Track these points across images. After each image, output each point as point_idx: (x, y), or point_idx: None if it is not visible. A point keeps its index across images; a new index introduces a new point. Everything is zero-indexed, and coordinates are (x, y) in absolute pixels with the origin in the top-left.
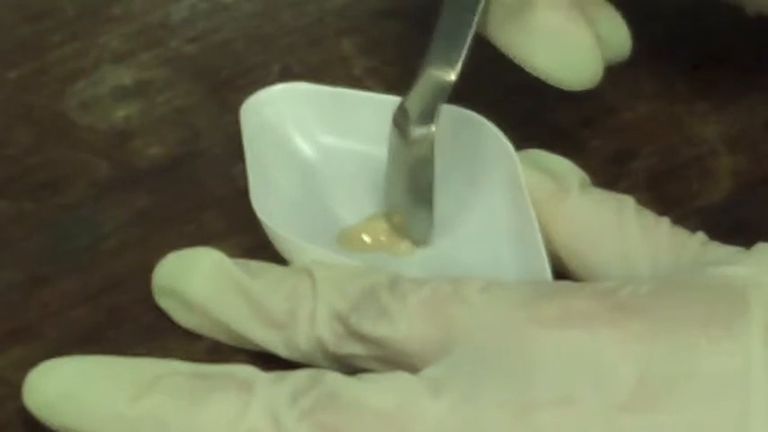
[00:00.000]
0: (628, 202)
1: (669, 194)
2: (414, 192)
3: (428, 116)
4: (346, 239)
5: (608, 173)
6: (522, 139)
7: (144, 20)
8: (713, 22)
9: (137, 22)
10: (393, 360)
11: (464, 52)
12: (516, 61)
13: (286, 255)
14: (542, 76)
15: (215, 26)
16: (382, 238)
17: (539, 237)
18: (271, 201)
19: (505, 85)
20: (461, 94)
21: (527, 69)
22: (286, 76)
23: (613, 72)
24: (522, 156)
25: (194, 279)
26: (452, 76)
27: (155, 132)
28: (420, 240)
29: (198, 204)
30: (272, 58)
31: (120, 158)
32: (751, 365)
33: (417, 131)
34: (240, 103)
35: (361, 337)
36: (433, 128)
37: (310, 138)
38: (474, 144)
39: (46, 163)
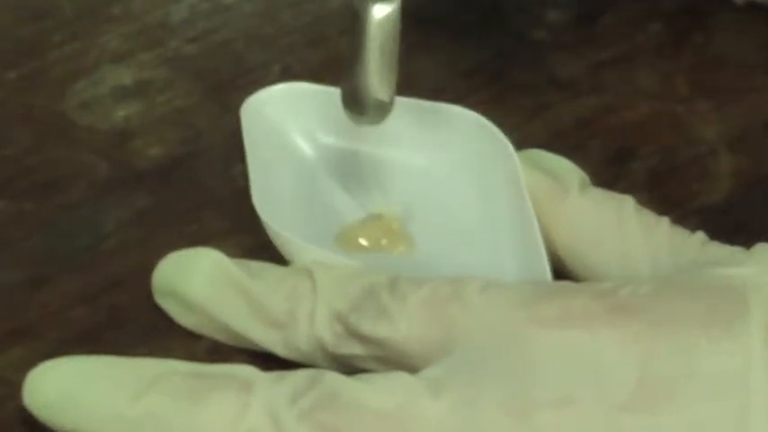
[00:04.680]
0: (628, 201)
1: (669, 194)
2: (374, 72)
3: None
4: (345, 240)
5: (608, 173)
6: (522, 139)
7: (144, 20)
8: (713, 22)
9: (137, 22)
10: (393, 360)
11: None
12: None
13: (286, 255)
14: None
15: (215, 26)
16: (381, 239)
17: (539, 237)
18: (271, 200)
19: (506, 85)
20: (462, 94)
21: None
22: (286, 76)
23: (613, 72)
24: (522, 156)
25: (194, 279)
26: None
27: (155, 132)
28: (379, 120)
29: (198, 204)
30: (272, 58)
31: (120, 158)
32: (751, 365)
33: (379, 9)
34: (240, 103)
35: (361, 338)
36: (395, 4)
37: (310, 138)
38: (474, 144)
39: (46, 163)
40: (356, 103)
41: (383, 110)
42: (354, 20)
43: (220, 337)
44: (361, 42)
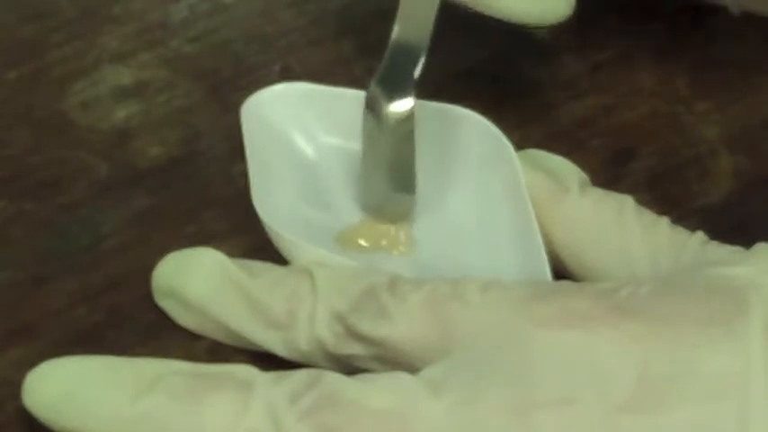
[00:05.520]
0: (627, 201)
1: (669, 194)
2: (395, 173)
3: (404, 89)
4: (345, 240)
5: (608, 173)
6: (522, 139)
7: (144, 20)
8: (713, 22)
9: (137, 22)
10: (393, 360)
11: (434, 14)
12: (481, 9)
13: (286, 255)
14: (509, 18)
15: (215, 26)
16: (381, 239)
17: (539, 237)
18: (271, 200)
19: (505, 85)
20: (462, 95)
21: (493, 14)
22: (286, 76)
23: (613, 72)
24: (522, 156)
25: (194, 279)
26: (424, 42)
27: (155, 132)
28: (403, 218)
29: (198, 204)
30: (272, 58)
31: (120, 158)
32: (751, 365)
33: (395, 109)
34: (240, 103)
35: (361, 338)
36: (412, 101)
37: (310, 138)
38: (474, 144)
39: (46, 163)
40: (379, 202)
41: (408, 205)
42: (371, 118)
43: (220, 337)
44: (381, 140)
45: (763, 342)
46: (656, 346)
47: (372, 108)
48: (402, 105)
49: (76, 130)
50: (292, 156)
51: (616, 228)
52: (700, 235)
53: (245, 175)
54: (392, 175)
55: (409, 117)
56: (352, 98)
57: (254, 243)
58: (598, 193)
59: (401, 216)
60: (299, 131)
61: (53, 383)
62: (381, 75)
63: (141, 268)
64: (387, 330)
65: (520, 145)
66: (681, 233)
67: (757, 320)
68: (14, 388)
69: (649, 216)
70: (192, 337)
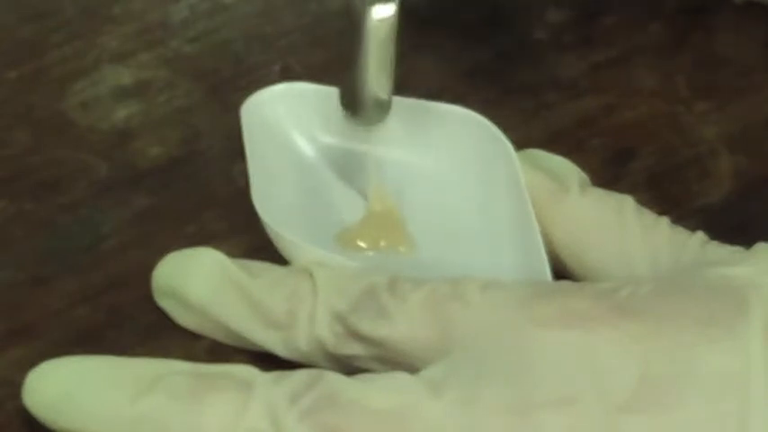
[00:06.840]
0: (627, 201)
1: (669, 194)
2: (373, 74)
3: None
4: (345, 240)
5: (608, 173)
6: (522, 139)
7: (144, 20)
8: (713, 22)
9: (137, 22)
10: (393, 360)
11: None
12: None
13: (286, 255)
14: None
15: (215, 26)
16: (381, 240)
17: (539, 237)
18: (272, 201)
19: (505, 85)
20: (461, 94)
21: None
22: (286, 75)
23: (613, 72)
24: (522, 156)
25: (194, 279)
26: None
27: (155, 132)
28: (378, 122)
29: (198, 204)
30: (273, 58)
31: (120, 158)
32: (751, 365)
33: (379, 11)
34: (240, 103)
35: (361, 338)
36: (395, 6)
37: (310, 138)
38: (474, 144)
39: (46, 163)
40: (355, 103)
41: (382, 109)
42: (354, 21)
43: (220, 337)
44: (360, 43)
45: (763, 342)
46: (656, 346)
47: (354, 6)
48: (385, 10)
49: (76, 130)
50: (292, 156)
51: (616, 228)
52: (700, 235)
53: (245, 175)
54: (370, 76)
55: (392, 20)
56: None
57: (254, 243)
58: (598, 192)
59: (376, 120)
60: (299, 131)
61: (53, 383)
62: None
63: (141, 268)
64: (387, 330)
65: (520, 145)
66: (681, 233)
67: (757, 320)
68: (14, 388)
69: (649, 216)
70: (192, 337)
